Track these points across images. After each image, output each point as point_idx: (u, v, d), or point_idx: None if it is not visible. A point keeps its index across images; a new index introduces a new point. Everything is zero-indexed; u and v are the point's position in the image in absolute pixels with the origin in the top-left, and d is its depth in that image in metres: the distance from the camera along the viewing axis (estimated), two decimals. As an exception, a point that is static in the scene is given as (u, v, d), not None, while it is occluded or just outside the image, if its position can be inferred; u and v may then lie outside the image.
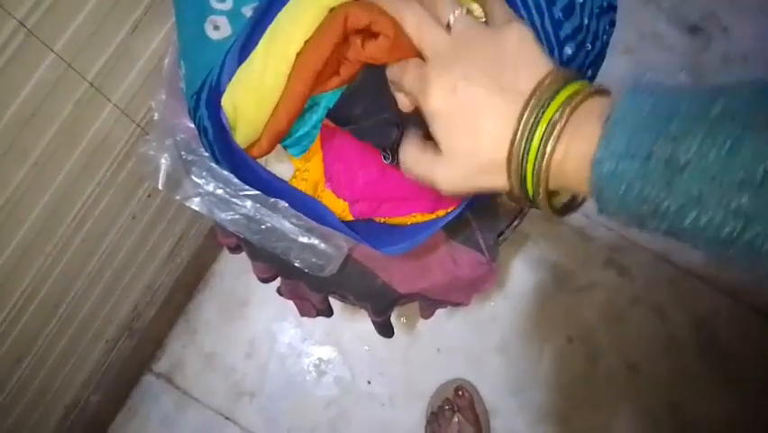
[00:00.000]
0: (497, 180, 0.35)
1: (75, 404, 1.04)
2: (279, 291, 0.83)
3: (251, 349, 1.26)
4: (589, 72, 0.54)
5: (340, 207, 0.60)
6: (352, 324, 1.25)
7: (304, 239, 0.65)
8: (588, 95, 0.33)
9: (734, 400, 1.22)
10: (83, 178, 0.74)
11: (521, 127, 0.33)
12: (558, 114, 0.32)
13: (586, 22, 0.51)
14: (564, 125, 0.32)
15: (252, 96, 0.46)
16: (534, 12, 0.47)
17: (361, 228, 0.57)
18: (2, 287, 0.72)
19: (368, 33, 0.41)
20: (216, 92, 0.47)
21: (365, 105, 0.47)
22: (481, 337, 1.26)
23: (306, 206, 0.55)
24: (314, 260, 0.64)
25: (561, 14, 0.49)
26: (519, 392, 1.24)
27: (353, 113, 0.48)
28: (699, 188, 0.26)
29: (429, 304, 0.77)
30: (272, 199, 0.65)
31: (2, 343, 0.78)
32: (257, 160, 0.51)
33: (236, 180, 0.65)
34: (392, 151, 0.55)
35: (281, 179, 0.54)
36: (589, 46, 0.52)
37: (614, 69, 0.51)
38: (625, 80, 0.33)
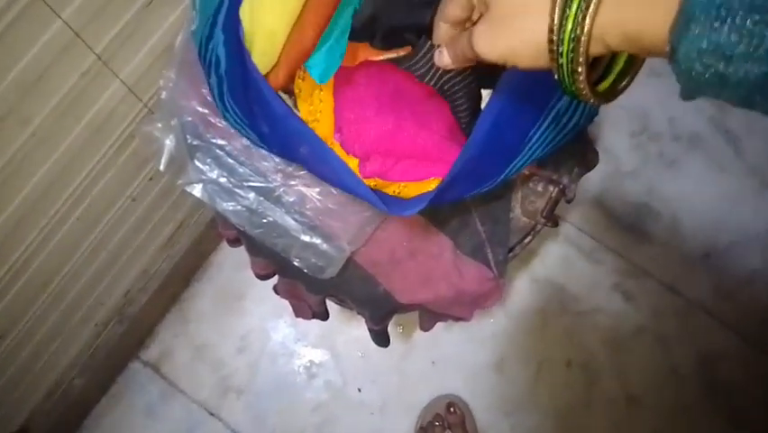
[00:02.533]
0: (533, 41, 0.31)
1: (58, 386, 1.02)
2: (276, 290, 0.80)
3: (242, 344, 1.23)
4: None
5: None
6: (347, 328, 1.22)
7: (306, 238, 0.62)
8: None
9: (735, 439, 1.19)
10: (84, 154, 0.72)
11: None
12: None
13: None
14: None
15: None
16: None
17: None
18: (-10, 259, 0.70)
19: None
20: (237, 2, 0.43)
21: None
22: (479, 354, 1.23)
23: (318, 151, 0.50)
24: (314, 260, 0.62)
25: None
26: (513, 413, 1.20)
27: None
28: None
29: (430, 316, 0.74)
30: (276, 193, 0.62)
31: (-15, 317, 0.76)
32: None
33: (241, 170, 0.62)
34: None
35: (297, 117, 0.48)
36: None
37: None
38: None
